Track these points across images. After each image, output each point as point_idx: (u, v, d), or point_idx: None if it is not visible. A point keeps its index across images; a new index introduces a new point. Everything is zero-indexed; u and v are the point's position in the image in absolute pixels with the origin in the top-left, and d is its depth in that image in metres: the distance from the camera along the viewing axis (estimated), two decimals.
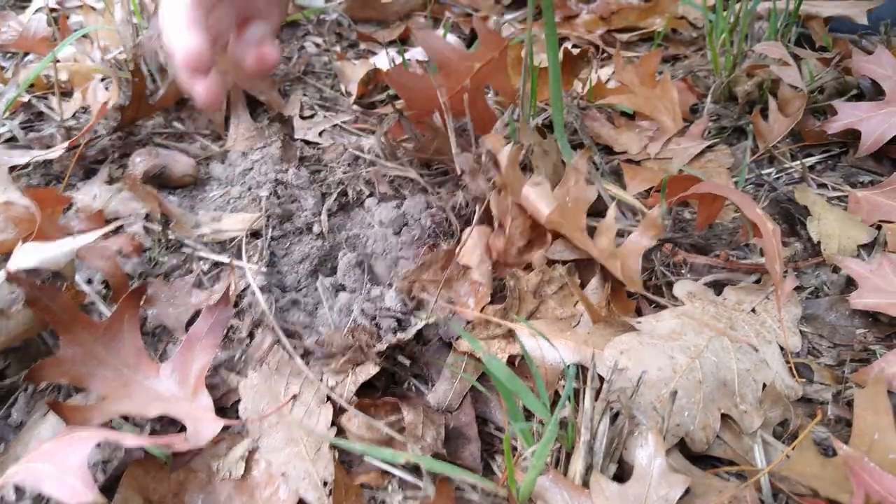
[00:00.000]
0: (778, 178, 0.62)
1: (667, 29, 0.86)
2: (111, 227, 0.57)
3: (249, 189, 0.64)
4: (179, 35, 0.43)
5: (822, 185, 0.61)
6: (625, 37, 0.89)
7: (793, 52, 0.71)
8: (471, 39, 0.91)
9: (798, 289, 0.50)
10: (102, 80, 0.74)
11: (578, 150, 0.63)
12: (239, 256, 0.57)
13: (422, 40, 0.61)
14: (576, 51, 0.74)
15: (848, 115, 0.63)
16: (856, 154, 0.63)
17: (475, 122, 0.62)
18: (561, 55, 0.71)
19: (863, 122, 0.62)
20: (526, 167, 0.59)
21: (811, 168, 0.64)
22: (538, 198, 0.49)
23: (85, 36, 0.82)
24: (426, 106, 0.62)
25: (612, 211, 0.48)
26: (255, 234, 0.59)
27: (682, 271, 0.51)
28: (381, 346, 0.44)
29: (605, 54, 0.87)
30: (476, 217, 0.51)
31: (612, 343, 0.42)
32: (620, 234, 0.55)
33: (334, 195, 0.62)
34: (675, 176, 0.52)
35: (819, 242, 0.53)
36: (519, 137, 0.59)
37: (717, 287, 0.49)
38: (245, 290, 0.53)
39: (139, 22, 0.72)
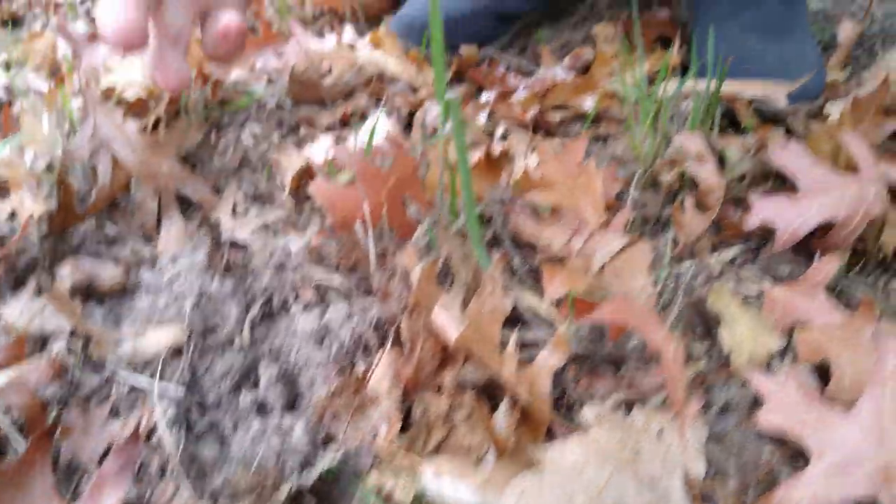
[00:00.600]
0: (697, 276, 0.63)
1: (597, 110, 0.88)
2: (28, 362, 0.57)
3: (176, 299, 0.64)
4: (108, 9, 0.41)
5: (740, 281, 0.62)
6: (559, 116, 0.90)
7: (713, 142, 0.72)
8: (409, 121, 0.93)
9: (707, 406, 0.50)
10: (37, 184, 0.74)
11: (498, 252, 0.64)
12: (159, 376, 0.56)
13: (341, 154, 0.62)
14: (503, 143, 0.76)
15: (763, 209, 0.64)
16: (773, 249, 0.64)
17: (398, 231, 0.62)
18: (484, 156, 0.72)
19: (778, 217, 0.63)
20: (447, 274, 0.60)
21: (732, 262, 0.65)
22: (447, 321, 0.49)
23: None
24: (349, 215, 0.62)
25: (512, 342, 0.48)
26: (177, 351, 0.59)
27: (590, 392, 0.51)
28: (283, 492, 0.44)
29: (539, 136, 0.88)
30: (389, 340, 0.51)
31: (513, 485, 0.42)
32: (535, 345, 0.56)
33: (259, 304, 0.63)
34: (578, 300, 0.53)
35: (730, 352, 0.53)
36: (438, 244, 0.59)
37: (629, 405, 0.50)
38: (158, 421, 0.53)
39: (69, 127, 0.73)
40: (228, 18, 0.47)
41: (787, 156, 0.65)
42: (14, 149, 0.70)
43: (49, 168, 0.70)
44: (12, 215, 0.74)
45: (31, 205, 0.66)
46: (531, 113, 0.89)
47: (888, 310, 0.60)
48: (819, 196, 0.63)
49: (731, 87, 0.81)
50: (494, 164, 0.73)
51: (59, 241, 0.69)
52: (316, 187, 0.64)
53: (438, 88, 0.50)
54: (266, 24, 1.04)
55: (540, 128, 0.90)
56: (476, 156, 0.73)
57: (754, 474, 0.46)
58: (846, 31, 1.03)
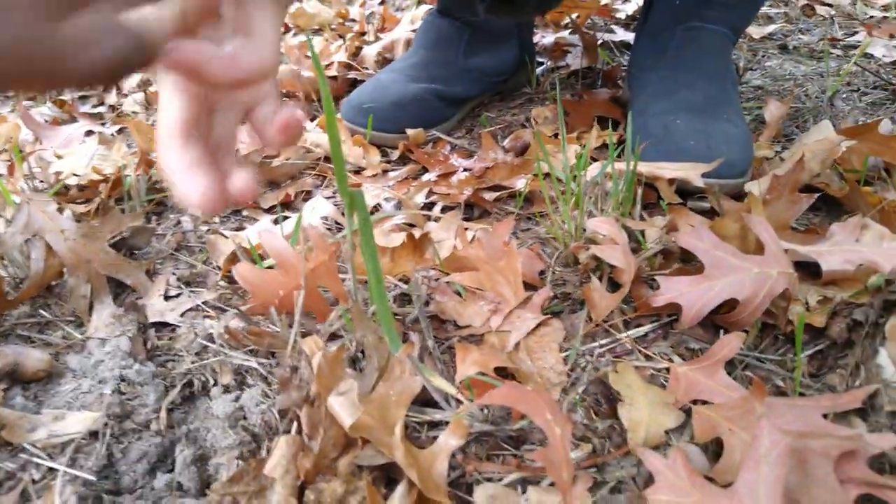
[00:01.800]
0: (606, 353, 0.65)
1: (529, 190, 0.91)
2: None
3: (99, 383, 0.65)
4: (183, 182, 0.42)
5: (650, 357, 0.64)
6: (493, 195, 0.94)
7: (629, 223, 0.76)
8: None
9: (600, 484, 0.51)
10: None
11: (414, 332, 0.65)
12: (72, 461, 0.57)
13: (264, 240, 0.65)
14: (432, 226, 0.79)
15: (670, 288, 0.66)
16: (680, 326, 0.66)
17: (318, 317, 0.64)
18: (407, 238, 0.75)
19: (683, 296, 0.66)
20: (359, 357, 0.61)
21: (643, 337, 0.67)
22: (342, 407, 0.51)
23: None
24: (269, 300, 0.64)
25: (398, 429, 0.50)
26: (93, 435, 0.60)
27: (488, 471, 0.52)
28: None
29: (475, 214, 0.92)
30: (291, 428, 0.52)
31: None
32: (443, 425, 0.57)
33: (178, 387, 0.64)
34: (476, 381, 0.55)
35: (628, 430, 0.55)
36: (354, 329, 0.61)
37: (524, 484, 0.51)
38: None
39: (9, 217, 0.75)
40: (288, 112, 0.47)
41: (693, 238, 0.68)
42: None
43: None
44: None
45: None
46: (466, 193, 0.93)
47: (790, 384, 0.61)
48: (723, 276, 0.66)
49: (651, 167, 0.85)
50: (418, 245, 0.75)
51: None
52: (239, 270, 0.66)
53: (340, 183, 0.53)
54: None
55: (476, 207, 0.93)
56: (401, 237, 0.76)
57: None
58: (773, 110, 1.09)
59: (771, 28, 1.68)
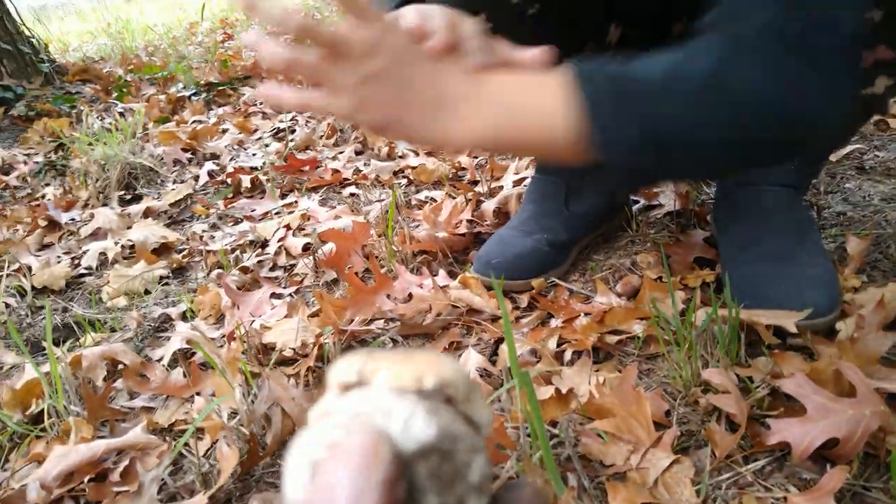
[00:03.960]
0: (731, 486, 0.80)
1: (644, 335, 1.09)
2: None
3: None
4: None
5: (768, 489, 0.79)
6: (615, 339, 1.12)
7: (736, 370, 0.92)
8: (495, 349, 1.16)
9: None
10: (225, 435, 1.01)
11: (567, 471, 0.83)
12: None
13: None
14: (567, 371, 0.97)
15: (780, 429, 0.82)
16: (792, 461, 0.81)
17: (492, 460, 0.83)
18: (555, 391, 0.94)
19: (792, 436, 0.81)
20: None
21: (761, 470, 0.82)
22: None
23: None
24: None
25: None
26: None
27: None
28: None
29: (600, 357, 1.10)
30: None
31: None
32: None
33: None
34: None
35: None
36: (524, 471, 0.80)
37: None
38: None
39: (246, 386, 1.00)
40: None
41: (793, 385, 0.84)
42: (213, 406, 0.98)
43: (238, 421, 0.96)
44: (206, 454, 1.00)
45: (227, 450, 0.91)
46: (592, 339, 1.11)
47: None
48: (822, 418, 0.81)
49: (749, 314, 1.02)
50: (564, 396, 0.94)
51: (245, 475, 0.93)
52: None
53: (513, 365, 0.73)
54: (377, 271, 1.34)
55: (600, 350, 1.12)
56: (549, 390, 0.95)
57: None
58: (854, 245, 1.23)
59: (847, 148, 1.81)
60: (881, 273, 1.21)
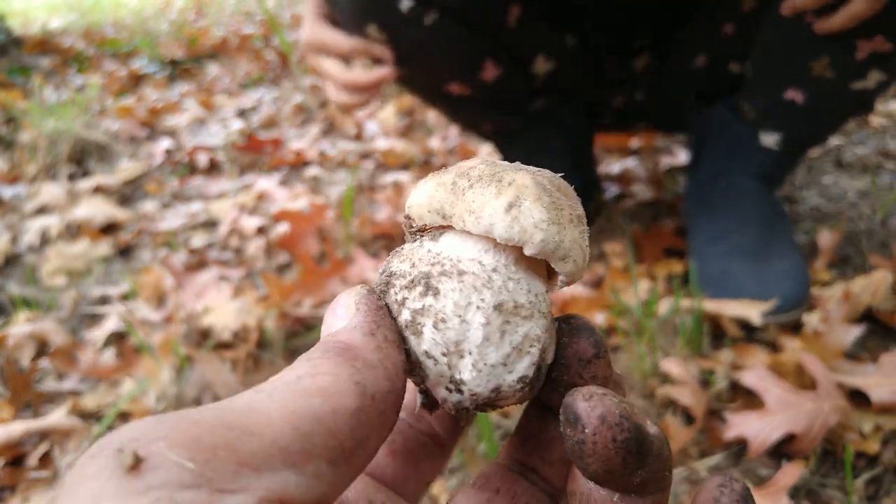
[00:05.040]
0: (683, 482, 0.75)
1: (609, 323, 1.05)
2: None
3: None
4: None
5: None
6: None
7: (696, 363, 0.88)
8: None
9: None
10: None
11: None
12: None
13: None
14: None
15: (737, 424, 0.78)
16: (749, 455, 0.76)
17: None
18: None
19: (749, 430, 0.77)
20: None
21: (715, 466, 0.78)
22: None
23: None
24: None
25: None
26: None
27: None
28: None
29: None
30: None
31: None
32: None
33: None
34: None
35: None
36: (467, 464, 0.74)
37: None
38: None
39: (178, 368, 0.94)
40: None
41: (753, 377, 0.80)
42: (140, 391, 0.91)
43: (165, 404, 0.90)
44: None
45: None
46: None
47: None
48: (782, 411, 0.77)
49: (714, 305, 0.97)
50: None
51: None
52: None
53: None
54: (332, 256, 1.28)
55: None
56: None
57: None
58: (825, 239, 1.20)
59: (826, 144, 1.78)
60: (852, 268, 1.18)
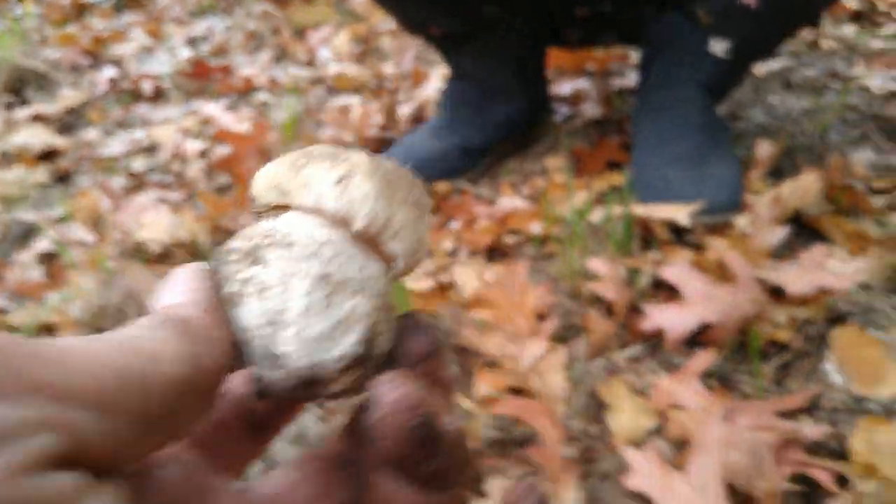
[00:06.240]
0: (602, 372, 0.77)
1: (545, 233, 1.05)
2: None
3: None
4: None
5: (638, 375, 0.76)
6: (513, 239, 1.08)
7: (624, 262, 0.88)
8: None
9: (590, 474, 0.63)
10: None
11: None
12: None
13: None
14: (458, 270, 0.92)
15: (655, 316, 0.79)
16: (666, 346, 0.78)
17: None
18: (436, 284, 0.89)
19: (666, 322, 0.78)
20: None
21: (633, 358, 0.79)
22: None
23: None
24: None
25: None
26: None
27: (499, 468, 0.65)
28: None
29: (499, 258, 1.05)
30: None
31: None
32: None
33: None
34: (489, 398, 0.68)
35: (614, 432, 0.67)
36: None
37: (528, 477, 0.63)
38: None
39: (105, 280, 0.92)
40: None
41: (675, 272, 0.81)
42: (64, 300, 0.90)
43: (90, 315, 0.89)
44: None
45: None
46: (487, 239, 1.07)
47: (757, 390, 0.73)
48: (699, 304, 0.78)
49: (645, 209, 0.98)
50: (445, 288, 0.90)
51: None
52: None
53: None
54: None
55: (497, 251, 1.07)
56: (431, 283, 0.90)
57: None
58: (763, 150, 1.20)
59: (776, 64, 1.78)
60: (788, 179, 1.19)
